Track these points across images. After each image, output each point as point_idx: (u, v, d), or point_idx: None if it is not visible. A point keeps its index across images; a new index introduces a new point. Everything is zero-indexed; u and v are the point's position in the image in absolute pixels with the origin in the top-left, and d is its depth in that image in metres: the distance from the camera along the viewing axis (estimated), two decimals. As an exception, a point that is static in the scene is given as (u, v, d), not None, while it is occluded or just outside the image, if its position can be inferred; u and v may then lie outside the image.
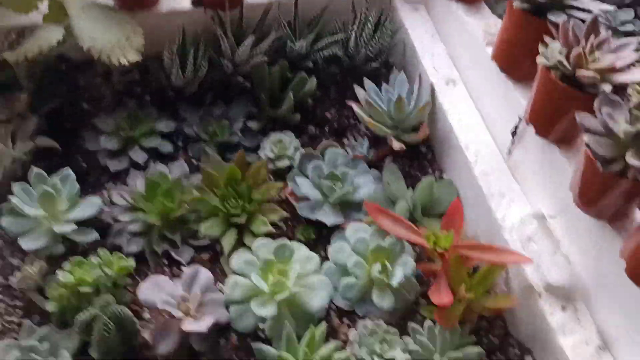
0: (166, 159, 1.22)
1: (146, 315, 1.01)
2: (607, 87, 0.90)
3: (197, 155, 1.24)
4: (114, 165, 1.18)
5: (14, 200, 1.00)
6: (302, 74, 1.30)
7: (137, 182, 1.15)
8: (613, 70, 0.93)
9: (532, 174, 1.11)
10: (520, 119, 1.12)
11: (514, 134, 1.14)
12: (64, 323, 0.96)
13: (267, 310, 0.95)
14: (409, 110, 1.24)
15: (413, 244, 1.09)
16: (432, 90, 1.28)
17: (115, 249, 1.05)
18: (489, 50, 1.22)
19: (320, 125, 1.35)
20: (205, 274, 0.98)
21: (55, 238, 1.03)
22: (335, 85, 1.40)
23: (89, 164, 1.20)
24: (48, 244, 1.01)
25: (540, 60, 0.99)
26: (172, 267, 1.08)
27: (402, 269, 1.03)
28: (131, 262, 1.00)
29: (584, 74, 0.92)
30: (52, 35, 1.12)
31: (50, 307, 0.95)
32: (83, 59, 1.32)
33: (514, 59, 1.14)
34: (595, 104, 0.87)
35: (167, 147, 1.22)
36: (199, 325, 0.90)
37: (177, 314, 0.91)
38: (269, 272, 1.00)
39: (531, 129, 1.08)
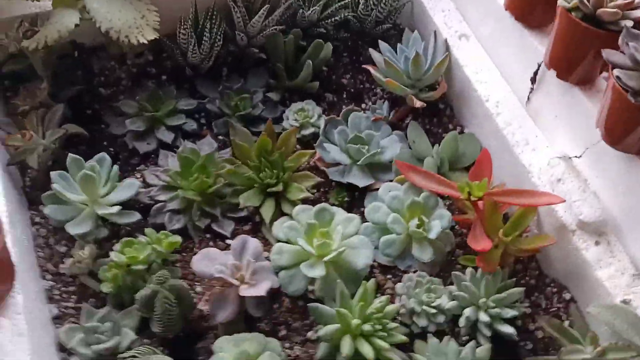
0: (192, 136, 1.23)
1: (197, 288, 1.04)
2: (628, 23, 0.93)
3: (221, 131, 1.25)
4: (143, 147, 1.19)
5: (55, 187, 1.01)
6: (316, 41, 1.30)
7: (169, 161, 1.16)
8: (632, 5, 0.96)
9: (554, 117, 1.14)
10: (539, 65, 1.14)
11: (533, 80, 1.17)
12: (119, 303, 0.98)
13: (317, 272, 0.98)
14: (426, 68, 1.25)
15: (443, 197, 1.13)
16: (447, 46, 1.29)
17: (157, 227, 1.06)
18: (500, 1, 1.24)
19: (337, 91, 1.36)
20: (253, 243, 1.00)
21: (98, 222, 1.04)
22: (347, 51, 1.41)
23: (117, 148, 1.20)
24: (93, 228, 1.02)
25: (560, 2, 1.02)
26: (216, 241, 1.10)
27: (439, 222, 1.06)
28: (178, 238, 1.02)
29: (606, 11, 0.95)
30: (69, 19, 1.11)
31: (105, 288, 0.97)
32: (95, 43, 1.32)
33: (530, 6, 1.16)
34: (620, 39, 0.90)
35: (191, 124, 1.23)
36: (257, 290, 0.92)
37: (234, 281, 0.94)
38: (313, 236, 1.02)
39: (551, 74, 1.11)
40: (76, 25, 1.11)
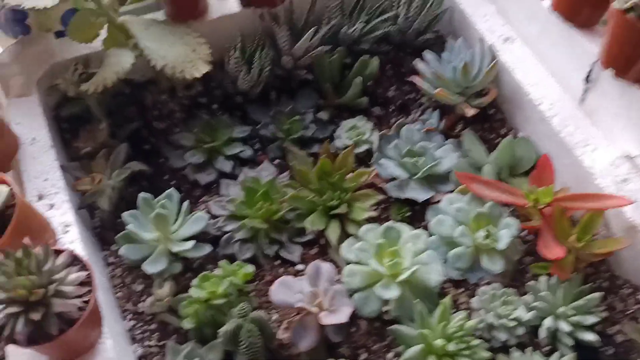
0: (248, 163, 1.25)
1: (273, 316, 1.05)
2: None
3: (276, 155, 1.26)
4: (204, 178, 1.21)
5: (130, 227, 1.03)
6: (362, 58, 1.31)
7: (230, 190, 1.17)
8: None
9: (612, 116, 1.13)
10: (593, 65, 1.13)
11: (587, 80, 1.16)
12: (201, 337, 1.00)
13: (391, 293, 0.99)
14: (475, 75, 1.25)
15: (506, 205, 1.12)
16: (493, 51, 1.29)
17: (227, 258, 1.08)
18: (545, 2, 1.23)
19: (384, 104, 1.36)
20: (327, 268, 1.01)
21: (171, 257, 1.06)
22: (389, 63, 1.41)
23: (178, 181, 1.22)
24: (168, 265, 1.04)
25: (615, 4, 1.01)
26: (286, 267, 1.11)
27: (508, 231, 1.06)
28: (251, 269, 1.03)
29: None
30: (125, 60, 1.13)
31: (186, 324, 0.99)
32: (144, 78, 1.34)
33: (578, 6, 1.15)
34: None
35: (247, 152, 1.24)
36: (338, 317, 0.93)
37: (313, 309, 0.95)
38: (383, 256, 1.03)
39: (606, 74, 1.10)
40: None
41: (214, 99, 1.33)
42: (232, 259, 1.09)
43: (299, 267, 1.11)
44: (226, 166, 1.21)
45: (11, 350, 0.90)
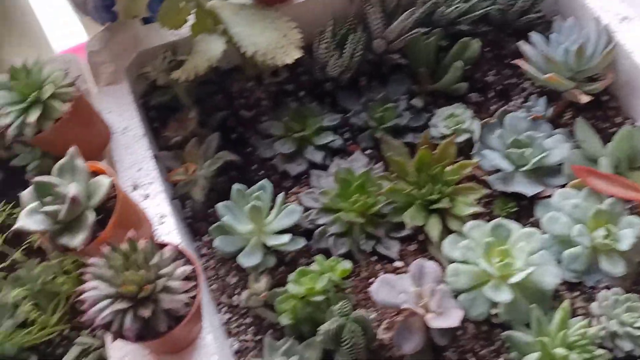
0: (339, 153, 1.19)
1: (371, 315, 0.99)
2: None
3: (368, 145, 1.19)
4: (294, 169, 1.16)
5: (225, 219, 1.00)
6: (462, 40, 1.22)
7: (322, 182, 1.12)
8: None
9: None
10: None
11: None
12: (298, 334, 0.96)
13: (503, 295, 0.91)
14: (589, 58, 1.13)
15: (627, 202, 1.02)
16: (609, 32, 1.16)
17: (321, 252, 1.03)
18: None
19: (482, 90, 1.27)
20: (432, 267, 0.95)
21: (266, 250, 1.02)
22: (488, 45, 1.31)
23: (267, 172, 1.18)
24: (263, 259, 1.00)
25: None
26: (383, 263, 1.05)
27: (631, 231, 0.96)
28: (348, 265, 0.98)
29: None
30: (215, 47, 1.09)
31: (283, 320, 0.95)
32: (230, 66, 1.30)
33: None
34: None
35: (337, 141, 1.19)
36: (448, 320, 0.87)
37: (419, 311, 0.88)
38: (491, 255, 0.95)
39: None
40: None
41: (301, 85, 1.28)
42: (325, 253, 1.04)
43: (397, 264, 1.05)
44: (317, 156, 1.16)
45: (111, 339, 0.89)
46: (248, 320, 1.00)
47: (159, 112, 1.24)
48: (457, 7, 1.23)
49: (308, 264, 1.03)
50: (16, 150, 1.19)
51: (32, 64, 0.98)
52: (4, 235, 1.02)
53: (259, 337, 0.98)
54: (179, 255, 0.81)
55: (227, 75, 1.29)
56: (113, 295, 0.73)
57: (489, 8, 1.26)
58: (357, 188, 1.06)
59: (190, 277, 0.79)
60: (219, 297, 1.03)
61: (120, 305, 0.73)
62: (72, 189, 0.81)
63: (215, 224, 1.03)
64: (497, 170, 1.12)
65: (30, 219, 0.82)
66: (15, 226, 0.82)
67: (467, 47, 1.22)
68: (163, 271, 0.76)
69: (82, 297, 0.74)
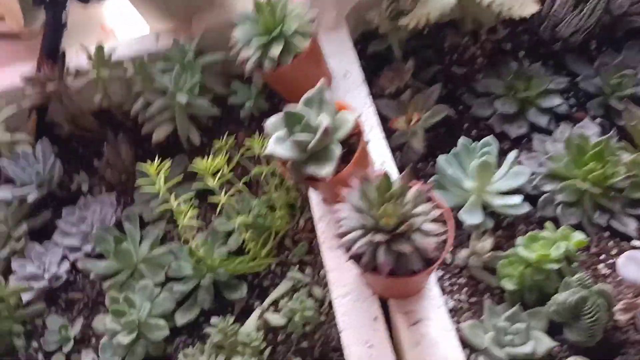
0: (563, 119, 1.10)
1: (603, 294, 0.91)
2: None
3: (597, 113, 1.09)
4: (513, 131, 1.09)
5: (449, 172, 0.96)
6: None
7: (547, 146, 1.04)
8: None
9: None
10: None
11: None
12: (520, 301, 0.90)
13: None
14: None
15: None
16: None
17: (545, 220, 0.96)
18: None
19: None
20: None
21: (485, 210, 0.97)
22: None
23: (480, 131, 1.12)
24: (484, 218, 0.95)
25: None
26: (617, 241, 0.96)
27: None
28: (583, 236, 0.89)
29: None
30: (450, -5, 1.04)
31: (507, 285, 0.89)
32: (443, 20, 1.25)
33: None
34: None
35: (563, 106, 1.09)
36: None
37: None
38: None
39: None
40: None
41: (520, 45, 1.20)
42: (551, 221, 0.96)
43: (635, 242, 0.94)
44: (541, 120, 1.08)
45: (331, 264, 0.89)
46: (461, 280, 0.96)
47: (367, 61, 1.23)
48: None
49: (526, 231, 0.96)
50: (233, 88, 1.24)
51: (275, -1, 0.99)
52: (230, 167, 1.05)
53: (474, 299, 0.94)
54: (428, 197, 0.78)
55: (440, 30, 1.24)
56: (370, 227, 0.72)
57: None
58: (594, 156, 0.97)
59: (438, 221, 0.76)
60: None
61: (376, 237, 0.71)
62: (324, 119, 0.81)
63: (434, 176, 0.99)
64: None
65: (279, 147, 0.83)
66: (265, 152, 0.84)
67: None
68: (417, 209, 0.73)
69: (339, 224, 0.74)
